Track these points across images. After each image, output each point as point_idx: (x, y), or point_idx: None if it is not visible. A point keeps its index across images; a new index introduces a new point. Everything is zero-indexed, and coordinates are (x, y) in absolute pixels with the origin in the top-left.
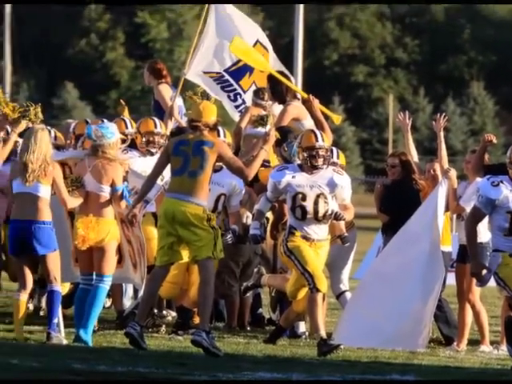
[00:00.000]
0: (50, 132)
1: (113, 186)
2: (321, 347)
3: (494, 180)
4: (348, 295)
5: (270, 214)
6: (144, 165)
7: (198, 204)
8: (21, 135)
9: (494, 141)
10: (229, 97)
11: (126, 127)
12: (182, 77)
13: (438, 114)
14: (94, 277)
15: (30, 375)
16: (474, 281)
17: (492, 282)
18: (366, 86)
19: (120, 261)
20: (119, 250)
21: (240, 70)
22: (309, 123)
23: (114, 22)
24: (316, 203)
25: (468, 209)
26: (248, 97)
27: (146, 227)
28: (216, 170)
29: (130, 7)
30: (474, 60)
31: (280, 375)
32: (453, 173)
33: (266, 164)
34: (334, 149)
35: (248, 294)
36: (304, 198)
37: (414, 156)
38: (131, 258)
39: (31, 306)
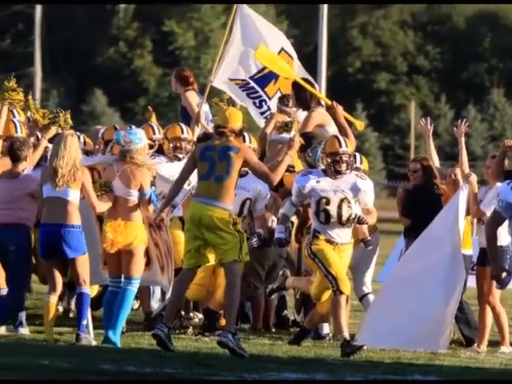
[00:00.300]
0: (79, 138)
1: (141, 190)
2: (344, 348)
3: None
4: (371, 297)
5: (294, 218)
6: (171, 170)
7: (224, 208)
8: (51, 141)
9: None
10: (254, 103)
11: (154, 133)
12: (208, 84)
13: (459, 120)
14: (123, 279)
15: (59, 375)
16: (494, 283)
17: None
18: (388, 92)
19: (148, 264)
20: (147, 253)
21: (265, 77)
22: (332, 129)
23: (141, 30)
24: (340, 207)
25: (488, 213)
26: (273, 103)
27: (173, 231)
28: (241, 175)
29: (157, 17)
30: (495, 67)
31: (304, 376)
32: (473, 178)
33: (290, 169)
34: (357, 154)
35: (273, 297)
36: (328, 203)
37: (435, 161)
38: (159, 261)
39: (61, 308)
